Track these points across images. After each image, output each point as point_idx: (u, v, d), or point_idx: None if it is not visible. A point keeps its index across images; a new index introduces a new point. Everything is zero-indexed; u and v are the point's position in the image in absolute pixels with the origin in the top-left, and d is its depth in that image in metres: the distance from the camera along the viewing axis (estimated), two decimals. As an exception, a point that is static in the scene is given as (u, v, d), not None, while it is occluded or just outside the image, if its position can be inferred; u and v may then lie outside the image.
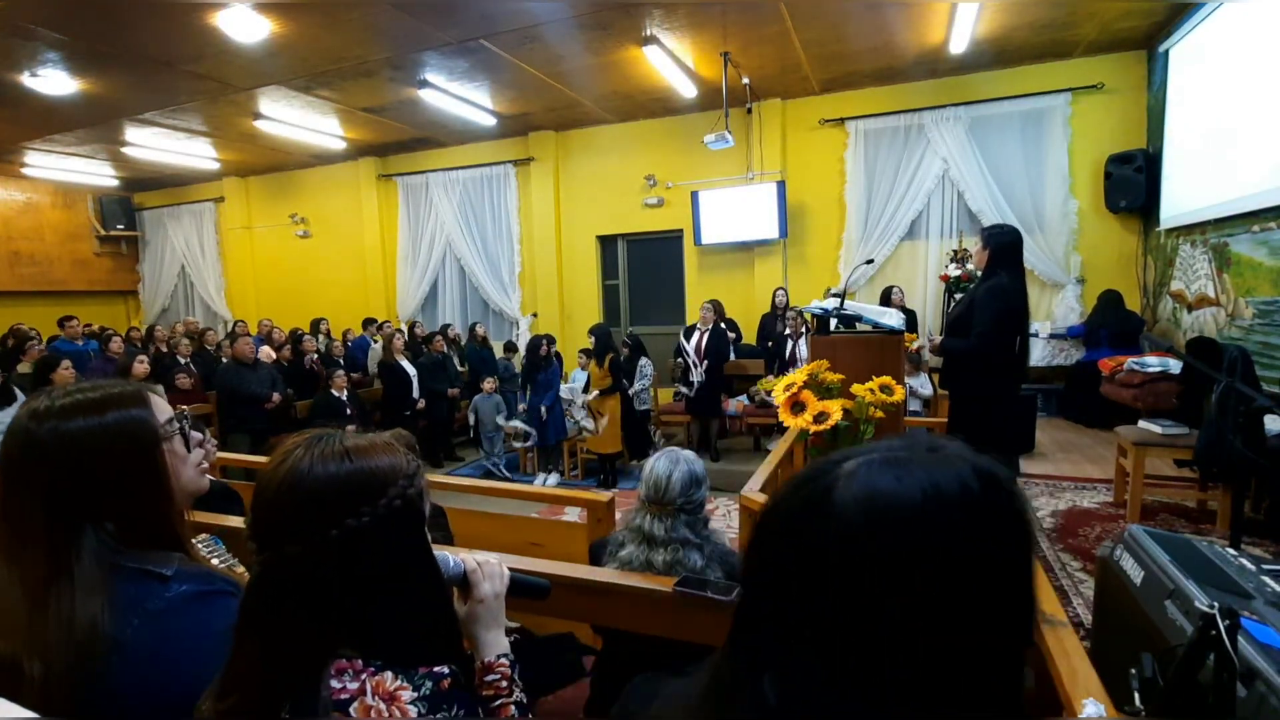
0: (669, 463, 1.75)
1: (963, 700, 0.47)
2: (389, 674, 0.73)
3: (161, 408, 0.95)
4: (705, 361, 5.89)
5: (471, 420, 6.32)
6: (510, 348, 8.06)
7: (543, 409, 5.71)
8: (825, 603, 0.49)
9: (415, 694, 0.73)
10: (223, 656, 0.75)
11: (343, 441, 0.78)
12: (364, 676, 0.72)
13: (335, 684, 0.70)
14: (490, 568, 0.96)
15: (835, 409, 2.37)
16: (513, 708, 0.87)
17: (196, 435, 1.01)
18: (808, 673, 0.49)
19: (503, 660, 0.91)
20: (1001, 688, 0.49)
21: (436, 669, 0.76)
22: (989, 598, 0.48)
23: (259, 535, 0.74)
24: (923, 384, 5.39)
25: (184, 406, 1.10)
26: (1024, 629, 0.50)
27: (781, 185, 7.29)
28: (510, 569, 1.00)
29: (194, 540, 1.24)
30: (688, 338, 6.15)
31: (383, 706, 0.71)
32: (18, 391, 4.48)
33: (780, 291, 6.96)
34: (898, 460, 0.50)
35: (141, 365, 5.60)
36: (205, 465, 1.02)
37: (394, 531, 0.76)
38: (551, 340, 6.13)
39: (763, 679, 0.51)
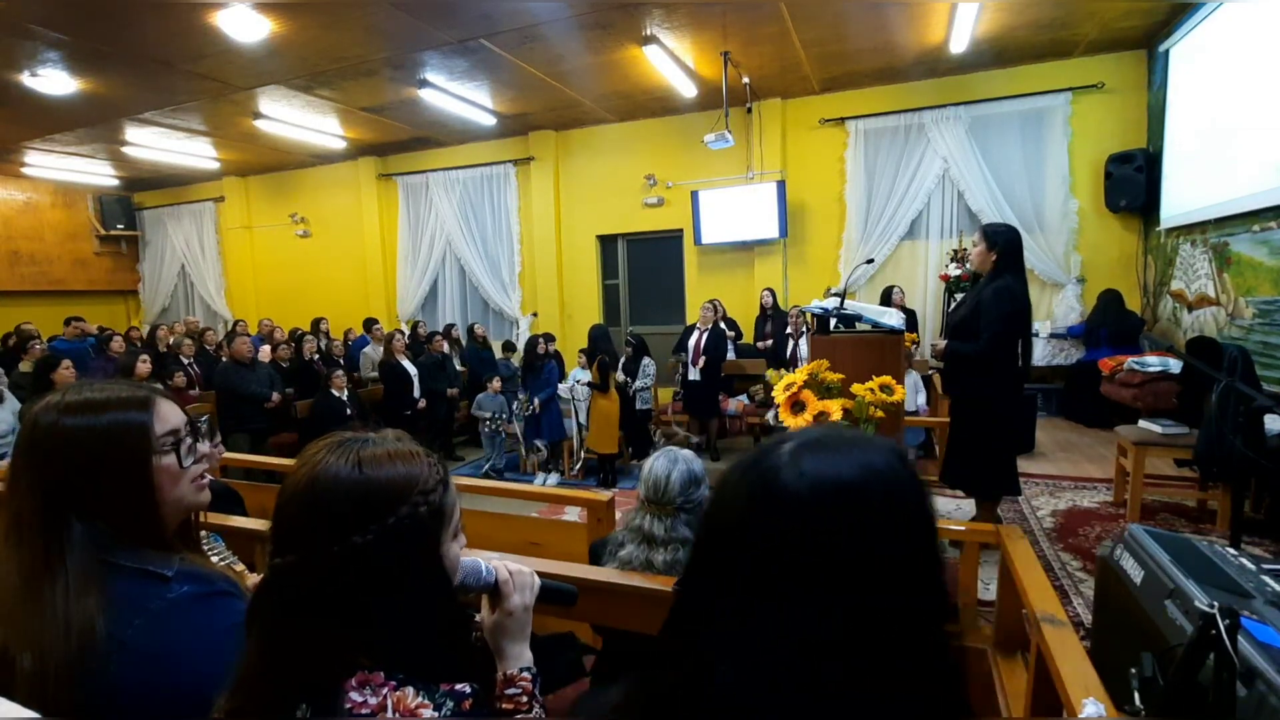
0: (668, 462, 1.75)
1: (905, 659, 0.53)
2: (410, 690, 0.71)
3: (166, 417, 0.94)
4: (703, 358, 5.89)
5: (487, 415, 6.31)
6: (509, 347, 8.06)
7: (535, 401, 5.74)
8: (781, 577, 0.53)
9: (436, 713, 0.71)
10: (226, 655, 0.75)
11: (361, 450, 0.75)
12: (385, 691, 0.70)
13: (356, 697, 0.69)
14: (522, 578, 0.92)
15: (835, 409, 2.37)
16: None
17: (203, 448, 0.99)
18: (767, 653, 0.53)
19: (525, 674, 0.88)
20: (935, 658, 0.55)
21: (459, 687, 0.74)
22: (915, 556, 0.55)
23: (273, 538, 0.74)
24: (916, 383, 5.36)
25: (208, 415, 1.07)
26: (941, 586, 0.57)
27: (781, 185, 7.28)
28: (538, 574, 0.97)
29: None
30: (688, 336, 6.17)
31: None
32: (7, 392, 4.49)
33: (767, 292, 6.98)
34: (829, 444, 0.57)
35: (144, 365, 5.60)
36: (205, 480, 1.00)
37: (402, 548, 0.73)
38: (550, 339, 6.13)
39: (717, 669, 0.54)
